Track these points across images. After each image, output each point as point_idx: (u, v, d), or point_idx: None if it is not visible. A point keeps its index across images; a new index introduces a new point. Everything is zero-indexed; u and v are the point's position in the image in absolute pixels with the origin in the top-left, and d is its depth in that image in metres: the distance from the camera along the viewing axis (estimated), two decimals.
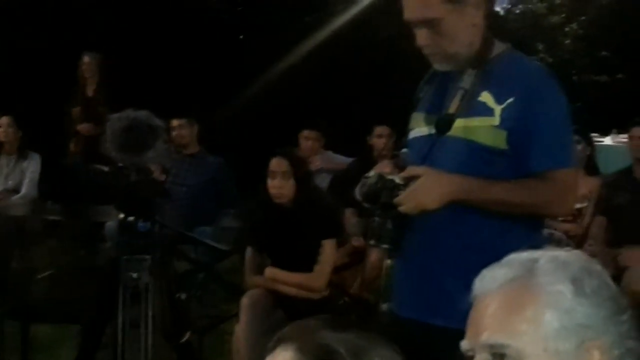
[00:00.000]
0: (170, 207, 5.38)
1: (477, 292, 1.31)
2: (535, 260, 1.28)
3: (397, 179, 2.21)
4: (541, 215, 2.41)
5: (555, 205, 2.30)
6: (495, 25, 2.40)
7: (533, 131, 2.22)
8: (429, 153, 2.29)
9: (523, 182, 2.23)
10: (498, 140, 2.23)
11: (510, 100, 2.23)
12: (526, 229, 2.31)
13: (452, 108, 2.27)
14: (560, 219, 5.52)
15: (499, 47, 2.36)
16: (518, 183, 2.23)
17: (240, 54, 11.66)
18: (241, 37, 12.57)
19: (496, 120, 2.23)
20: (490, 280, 1.29)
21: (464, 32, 2.29)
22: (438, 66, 2.36)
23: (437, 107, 2.35)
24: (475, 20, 2.31)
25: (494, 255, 2.23)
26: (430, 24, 2.26)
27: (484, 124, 2.24)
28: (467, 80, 2.29)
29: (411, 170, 2.24)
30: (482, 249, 2.27)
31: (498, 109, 2.24)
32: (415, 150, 2.42)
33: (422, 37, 2.29)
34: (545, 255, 1.29)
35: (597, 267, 1.27)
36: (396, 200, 2.19)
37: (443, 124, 2.27)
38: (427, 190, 2.18)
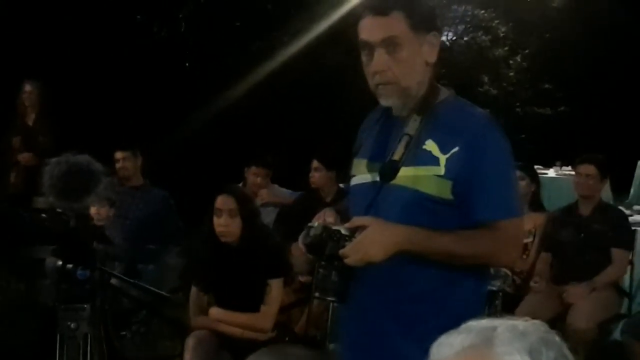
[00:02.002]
0: (113, 240, 5.29)
1: (434, 358, 1.27)
2: (493, 329, 1.25)
3: (343, 230, 2.17)
4: (487, 265, 2.40)
5: (500, 255, 2.28)
6: (441, 60, 2.39)
7: (477, 182, 2.21)
8: (373, 201, 2.26)
9: (468, 233, 2.21)
10: (443, 190, 2.21)
11: (455, 149, 2.21)
12: (473, 279, 2.31)
13: (396, 155, 2.24)
14: None
15: (443, 93, 2.35)
16: (463, 234, 2.21)
17: (185, 83, 11.56)
18: (187, 64, 12.48)
19: (441, 169, 2.21)
20: (448, 347, 1.26)
21: (418, 67, 2.29)
22: (386, 101, 2.31)
23: (380, 154, 2.32)
24: (429, 59, 2.31)
25: (440, 306, 2.24)
26: (391, 45, 2.24)
27: (429, 173, 2.22)
28: (412, 126, 2.27)
29: (356, 220, 2.20)
30: (428, 300, 2.26)
31: (443, 158, 2.22)
32: (358, 197, 2.38)
33: (379, 60, 2.25)
34: (504, 324, 1.26)
35: (556, 338, 1.25)
36: (341, 252, 2.15)
37: (388, 171, 2.24)
38: (372, 241, 2.14)
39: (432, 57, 2.31)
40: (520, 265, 5.46)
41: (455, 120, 2.27)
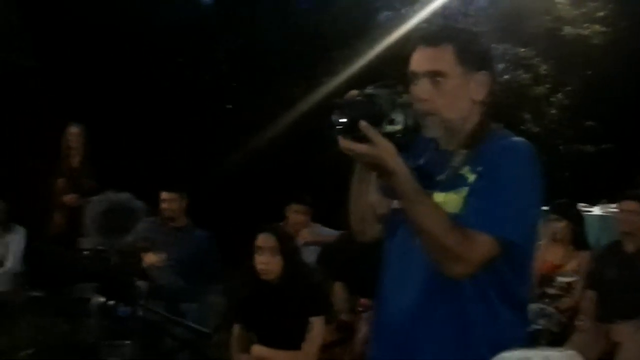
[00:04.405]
0: (155, 278, 5.33)
1: None
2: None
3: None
4: (438, 262, 2.20)
5: (454, 257, 2.14)
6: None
7: (481, 190, 2.20)
8: (406, 226, 2.25)
9: (450, 220, 2.15)
10: (461, 206, 2.22)
11: (480, 168, 2.23)
12: (517, 317, 2.29)
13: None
14: (552, 292, 5.49)
15: (493, 128, 2.36)
16: (444, 215, 2.16)
17: (227, 124, 11.69)
18: (228, 105, 12.64)
19: (467, 190, 2.23)
20: None
21: (462, 102, 2.29)
22: (428, 132, 2.31)
23: (425, 186, 2.31)
24: (476, 97, 2.31)
25: (482, 343, 2.22)
26: (436, 78, 2.25)
27: (459, 195, 2.23)
28: (458, 159, 2.29)
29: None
30: (471, 335, 2.24)
31: (472, 178, 2.24)
32: (393, 223, 2.38)
33: (423, 89, 2.26)
34: (537, 355, 1.24)
35: None
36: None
37: None
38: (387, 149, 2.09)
39: (480, 95, 2.31)
40: (566, 304, 5.39)
41: (492, 147, 2.27)
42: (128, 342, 2.75)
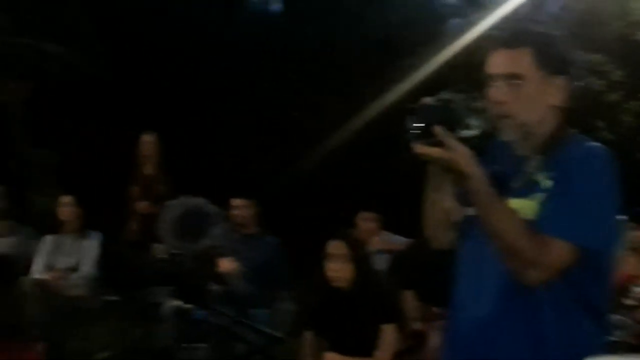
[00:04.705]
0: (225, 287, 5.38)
1: None
2: None
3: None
4: (512, 268, 2.18)
5: (532, 264, 2.12)
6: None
7: (557, 198, 2.16)
8: (479, 234, 2.23)
9: (525, 225, 2.13)
10: (536, 212, 2.19)
11: (555, 174, 2.20)
12: (594, 327, 2.24)
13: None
14: (628, 302, 5.37)
15: (569, 134, 2.32)
16: (519, 220, 2.14)
17: (297, 132, 11.74)
18: (295, 114, 12.69)
19: (543, 195, 2.20)
20: None
21: (539, 106, 2.26)
22: (503, 135, 2.29)
23: (500, 192, 2.29)
24: (553, 101, 2.28)
25: (558, 348, 2.18)
26: (513, 80, 2.23)
27: (534, 200, 2.20)
28: (533, 165, 2.26)
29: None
30: (547, 345, 2.21)
31: (547, 184, 2.20)
32: (466, 229, 2.36)
33: (499, 92, 2.24)
34: None
35: None
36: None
37: None
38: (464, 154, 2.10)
39: (558, 100, 2.28)
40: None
41: (569, 153, 2.24)
42: (203, 345, 2.79)
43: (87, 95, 11.17)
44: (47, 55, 10.55)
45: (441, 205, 2.37)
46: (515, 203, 2.21)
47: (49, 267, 6.47)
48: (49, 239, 6.63)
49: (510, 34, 2.31)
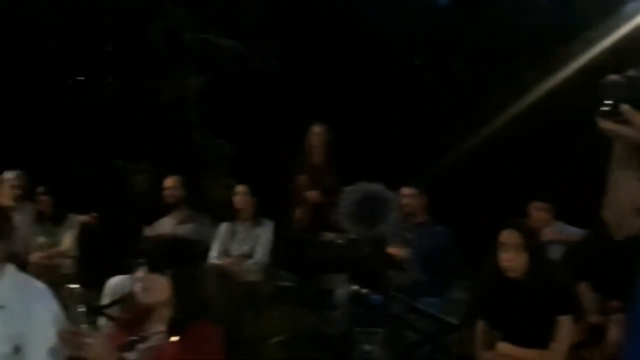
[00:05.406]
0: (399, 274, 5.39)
1: None
2: None
3: None
4: None
5: None
6: None
7: None
8: None
9: None
10: None
11: None
12: None
13: None
14: None
15: None
16: None
17: (467, 120, 11.59)
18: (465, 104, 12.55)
19: None
20: None
21: None
22: None
23: None
24: None
25: None
26: None
27: None
28: None
29: None
30: None
31: None
32: None
33: None
34: None
35: None
36: None
37: None
38: None
39: None
40: None
41: None
42: (380, 329, 2.82)
43: (261, 88, 11.50)
44: (222, 50, 10.95)
45: (626, 189, 2.26)
46: None
47: (225, 253, 6.72)
48: (224, 227, 6.90)
49: None
